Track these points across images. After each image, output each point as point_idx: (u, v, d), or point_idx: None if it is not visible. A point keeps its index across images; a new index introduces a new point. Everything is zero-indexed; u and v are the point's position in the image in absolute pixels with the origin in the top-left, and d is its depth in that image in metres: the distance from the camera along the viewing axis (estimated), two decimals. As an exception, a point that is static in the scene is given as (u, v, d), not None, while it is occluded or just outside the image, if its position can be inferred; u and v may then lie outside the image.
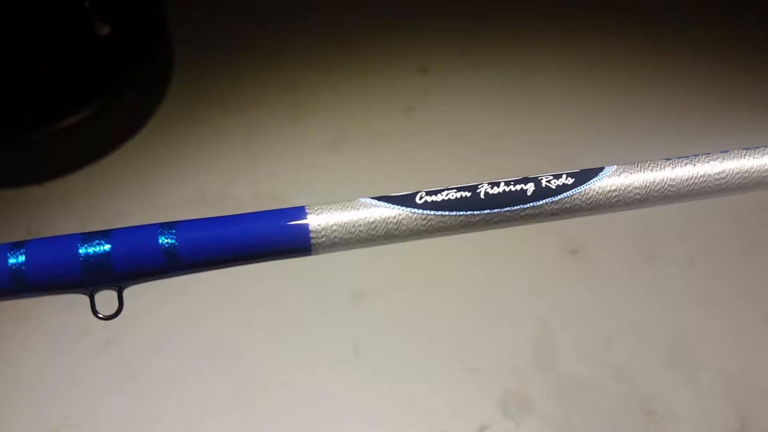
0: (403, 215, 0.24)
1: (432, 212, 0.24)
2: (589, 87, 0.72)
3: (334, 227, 0.24)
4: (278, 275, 0.57)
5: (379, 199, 0.24)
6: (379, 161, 0.64)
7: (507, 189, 0.25)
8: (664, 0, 0.79)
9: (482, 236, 0.61)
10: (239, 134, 0.64)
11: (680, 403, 0.54)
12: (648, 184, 0.25)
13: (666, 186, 0.25)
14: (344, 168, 0.63)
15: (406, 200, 0.24)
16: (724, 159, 0.27)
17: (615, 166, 0.26)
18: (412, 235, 0.25)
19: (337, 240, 0.24)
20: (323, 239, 0.24)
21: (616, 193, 0.25)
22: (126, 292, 0.57)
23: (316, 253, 0.24)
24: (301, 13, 0.75)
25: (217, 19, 0.74)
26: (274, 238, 0.24)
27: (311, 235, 0.24)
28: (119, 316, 0.24)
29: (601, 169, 0.26)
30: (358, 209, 0.24)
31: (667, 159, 0.26)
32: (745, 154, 0.27)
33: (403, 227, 0.24)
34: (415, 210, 0.24)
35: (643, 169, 0.26)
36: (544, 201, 0.25)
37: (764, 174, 0.27)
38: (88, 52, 0.62)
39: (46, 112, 0.59)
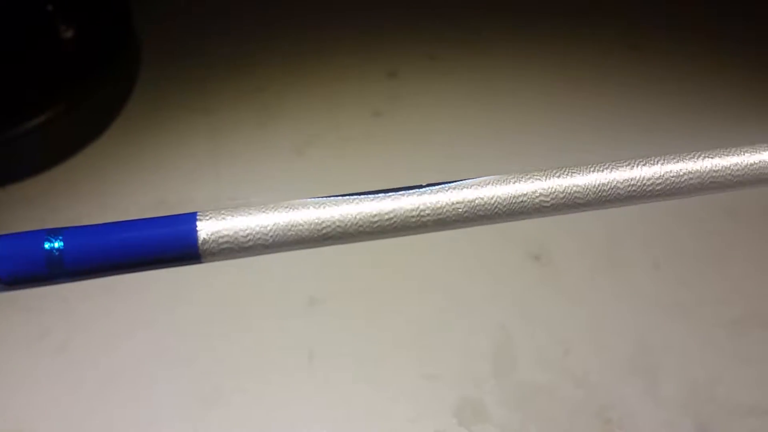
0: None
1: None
2: (562, 92, 0.71)
3: (224, 234, 0.23)
4: (234, 279, 0.57)
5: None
6: (345, 166, 0.64)
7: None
8: (641, 5, 0.78)
9: (444, 241, 0.61)
10: (203, 137, 0.64)
11: (639, 412, 0.53)
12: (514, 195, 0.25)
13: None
14: (310, 172, 0.63)
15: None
16: (634, 166, 0.26)
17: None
18: (307, 243, 0.24)
19: (226, 247, 0.23)
20: (212, 246, 0.23)
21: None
22: (81, 293, 0.57)
23: (207, 261, 0.24)
24: (270, 16, 0.74)
25: (186, 21, 0.74)
26: (163, 245, 0.24)
27: (200, 242, 0.23)
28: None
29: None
30: (250, 215, 0.24)
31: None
32: (658, 161, 0.27)
33: (298, 233, 0.24)
34: None
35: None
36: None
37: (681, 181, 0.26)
38: (50, 55, 0.62)
39: (6, 116, 0.59)
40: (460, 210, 0.25)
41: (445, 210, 0.25)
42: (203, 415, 0.52)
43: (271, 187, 0.61)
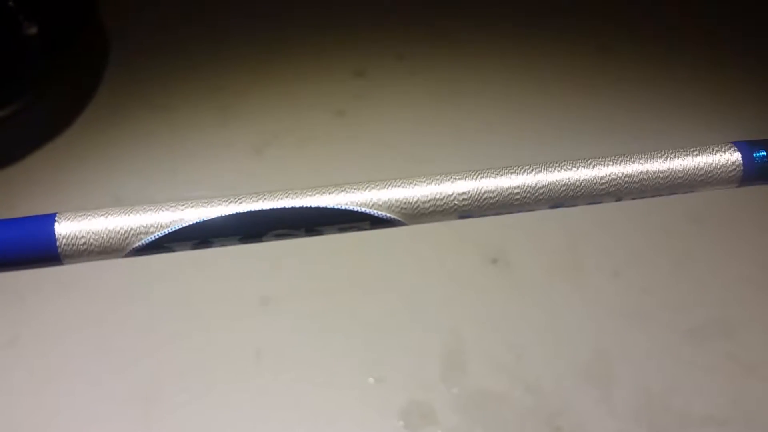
0: None
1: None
2: (529, 93, 0.70)
3: (82, 236, 0.23)
4: (189, 277, 0.57)
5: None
6: (305, 166, 0.63)
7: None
8: (612, 7, 0.77)
9: (401, 242, 0.60)
10: (163, 136, 0.64)
11: (590, 421, 0.52)
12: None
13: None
14: (267, 172, 0.63)
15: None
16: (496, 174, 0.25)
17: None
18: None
19: (85, 249, 0.23)
20: (70, 248, 0.23)
21: None
22: (35, 288, 0.56)
23: (68, 263, 0.23)
24: (237, 13, 0.74)
25: (154, 18, 0.73)
26: (21, 246, 0.23)
27: (58, 243, 0.23)
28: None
29: None
30: (109, 216, 0.23)
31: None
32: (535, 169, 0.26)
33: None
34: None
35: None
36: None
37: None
38: (11, 52, 0.62)
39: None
40: None
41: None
42: (147, 412, 0.51)
43: (226, 187, 0.60)
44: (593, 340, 0.56)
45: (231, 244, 0.24)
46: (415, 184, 0.24)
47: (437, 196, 0.24)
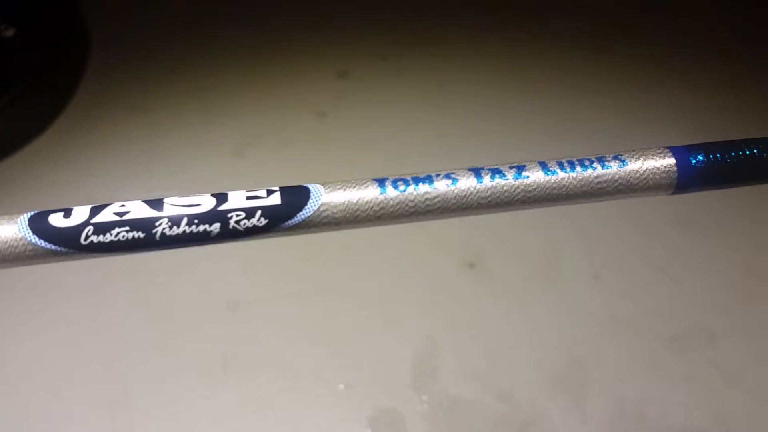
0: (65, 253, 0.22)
1: (97, 254, 0.22)
2: (517, 94, 0.69)
3: None
4: (158, 281, 0.56)
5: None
6: (283, 167, 0.63)
7: (188, 230, 0.22)
8: (608, 8, 0.76)
9: (375, 247, 0.59)
10: (141, 138, 0.64)
11: (561, 429, 0.51)
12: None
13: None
14: (245, 174, 0.62)
15: (71, 239, 0.22)
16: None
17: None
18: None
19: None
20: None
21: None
22: (5, 288, 0.55)
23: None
24: (220, 14, 0.74)
25: (137, 20, 0.73)
26: None
27: None
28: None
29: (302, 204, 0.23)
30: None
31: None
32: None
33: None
34: (80, 252, 0.22)
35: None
36: (231, 241, 0.23)
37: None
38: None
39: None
40: None
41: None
42: (112, 417, 0.51)
43: (202, 189, 0.60)
44: (569, 346, 0.55)
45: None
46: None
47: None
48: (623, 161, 0.25)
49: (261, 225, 0.23)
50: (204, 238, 0.22)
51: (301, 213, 0.23)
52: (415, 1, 0.75)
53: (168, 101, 0.66)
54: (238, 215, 0.22)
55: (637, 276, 0.58)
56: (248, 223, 0.22)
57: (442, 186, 0.24)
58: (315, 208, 0.23)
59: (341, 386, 0.53)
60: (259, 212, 0.23)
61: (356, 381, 0.53)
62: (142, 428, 0.51)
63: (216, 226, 0.22)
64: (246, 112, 0.66)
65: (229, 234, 0.22)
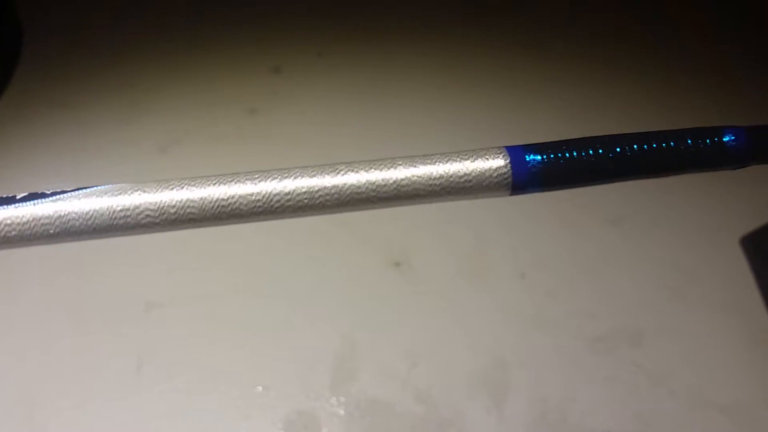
0: None
1: None
2: (455, 90, 0.68)
3: None
4: (71, 279, 0.55)
5: None
6: (210, 164, 0.61)
7: None
8: (544, 5, 0.75)
9: (298, 246, 0.58)
10: (68, 135, 0.62)
11: (478, 430, 0.50)
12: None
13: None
14: (170, 171, 0.60)
15: None
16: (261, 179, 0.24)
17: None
18: None
19: None
20: None
21: None
22: None
23: None
24: (151, 10, 0.72)
25: (70, 19, 0.72)
26: None
27: None
28: None
29: None
30: None
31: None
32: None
33: None
34: None
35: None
36: None
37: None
38: None
39: None
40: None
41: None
42: (24, 418, 0.50)
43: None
44: (492, 346, 0.54)
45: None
46: None
47: None
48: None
49: None
50: None
51: None
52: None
53: (96, 97, 0.65)
54: None
55: (564, 275, 0.57)
56: None
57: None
58: None
59: (260, 388, 0.52)
60: None
61: (274, 383, 0.52)
62: (56, 428, 0.50)
63: None
64: (174, 109, 0.65)
65: None
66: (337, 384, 0.52)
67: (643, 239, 0.59)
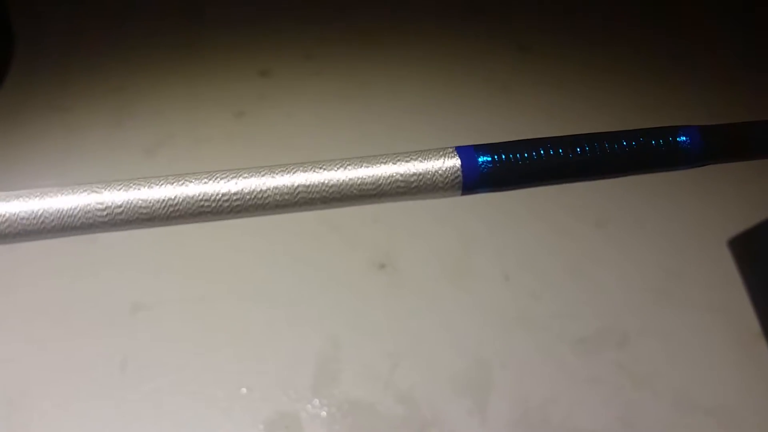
0: None
1: None
2: (441, 93, 0.68)
3: None
4: (57, 279, 0.55)
5: None
6: (196, 167, 0.61)
7: None
8: (534, 9, 0.75)
9: (283, 247, 0.58)
10: (57, 137, 0.63)
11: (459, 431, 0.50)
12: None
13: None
14: (158, 173, 0.61)
15: None
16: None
17: None
18: None
19: None
20: None
21: None
22: None
23: None
24: (142, 14, 0.73)
25: (63, 22, 0.73)
26: None
27: None
28: None
29: None
30: None
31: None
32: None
33: None
34: None
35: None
36: None
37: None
38: None
39: None
40: None
41: None
42: (8, 417, 0.50)
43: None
44: (475, 347, 0.54)
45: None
46: None
47: None
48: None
49: None
50: None
51: None
52: (340, 0, 0.74)
53: (86, 100, 0.65)
54: None
55: (549, 277, 0.57)
56: None
57: None
58: None
59: (244, 389, 0.52)
60: None
61: (257, 384, 0.52)
62: (38, 428, 0.50)
63: None
64: (162, 112, 0.65)
65: None
66: (320, 385, 0.52)
67: (629, 241, 0.59)
